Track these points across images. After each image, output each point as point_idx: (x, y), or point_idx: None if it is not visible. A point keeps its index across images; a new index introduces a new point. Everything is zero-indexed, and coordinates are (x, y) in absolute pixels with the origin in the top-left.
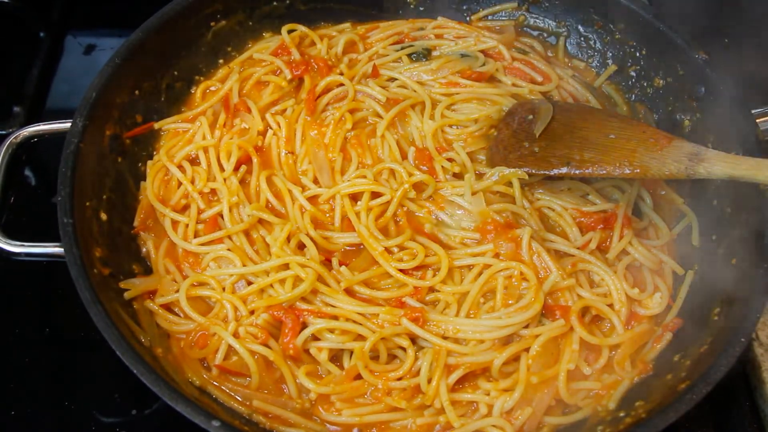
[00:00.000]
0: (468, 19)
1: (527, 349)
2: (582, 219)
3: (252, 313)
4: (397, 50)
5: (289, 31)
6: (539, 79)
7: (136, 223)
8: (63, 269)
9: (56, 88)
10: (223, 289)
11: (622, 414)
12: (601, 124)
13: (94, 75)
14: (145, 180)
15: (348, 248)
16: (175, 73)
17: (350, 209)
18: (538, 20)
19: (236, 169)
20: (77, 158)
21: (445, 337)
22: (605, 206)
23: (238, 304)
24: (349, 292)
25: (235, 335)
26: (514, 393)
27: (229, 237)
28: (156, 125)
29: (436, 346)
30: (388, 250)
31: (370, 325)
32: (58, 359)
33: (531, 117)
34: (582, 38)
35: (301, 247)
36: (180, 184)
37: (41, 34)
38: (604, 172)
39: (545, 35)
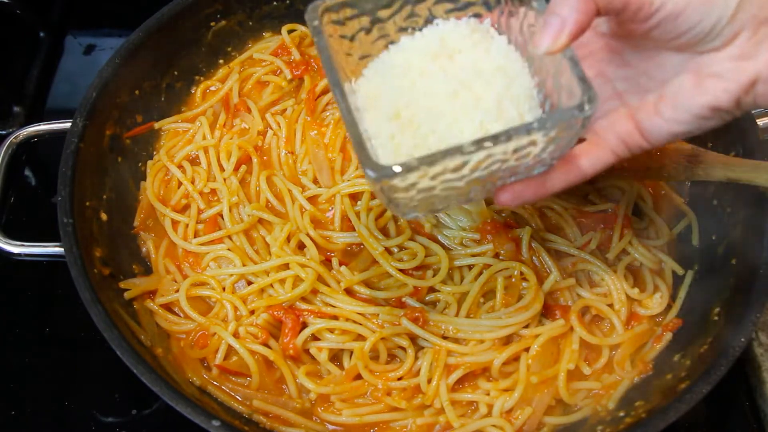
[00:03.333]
0: None
1: (527, 349)
2: (582, 219)
3: (252, 313)
4: None
5: (289, 31)
6: None
7: (136, 223)
8: (63, 269)
9: (56, 88)
10: (223, 289)
11: (622, 414)
12: None
13: (94, 75)
14: (145, 180)
15: (349, 248)
16: (175, 73)
17: (350, 209)
18: None
19: (236, 169)
20: (77, 158)
21: (445, 337)
22: (605, 206)
23: (238, 304)
24: (349, 292)
25: (235, 335)
26: (514, 393)
27: (229, 237)
28: (156, 125)
29: (436, 346)
30: (388, 250)
31: (370, 325)
32: (58, 359)
33: None
34: None
35: (301, 247)
36: (180, 184)
37: (41, 34)
38: (603, 173)
39: None
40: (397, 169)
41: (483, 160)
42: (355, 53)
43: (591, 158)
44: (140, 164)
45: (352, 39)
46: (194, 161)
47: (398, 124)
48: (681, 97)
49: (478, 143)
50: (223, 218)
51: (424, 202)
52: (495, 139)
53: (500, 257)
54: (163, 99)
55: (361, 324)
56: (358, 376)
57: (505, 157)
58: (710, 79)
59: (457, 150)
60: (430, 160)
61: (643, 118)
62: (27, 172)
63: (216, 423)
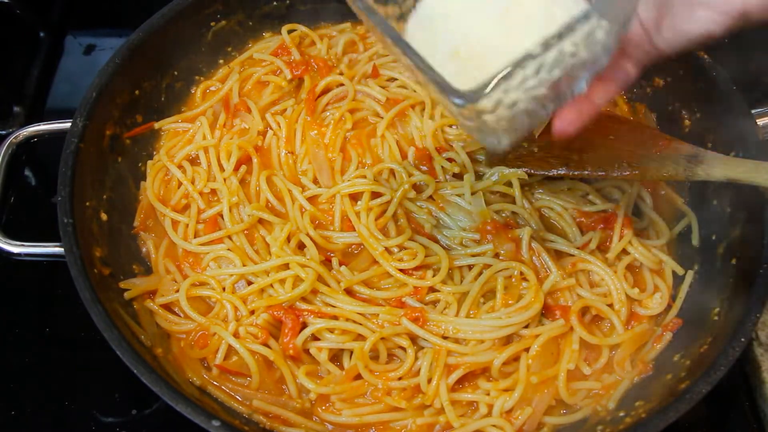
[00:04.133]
0: None
1: (527, 349)
2: (582, 219)
3: (252, 313)
4: None
5: (289, 31)
6: None
7: (136, 223)
8: (63, 269)
9: (56, 88)
10: (223, 289)
11: (622, 414)
12: (600, 125)
13: (94, 75)
14: (145, 180)
15: (349, 248)
16: (175, 73)
17: (350, 209)
18: None
19: (236, 169)
20: (77, 158)
21: (445, 337)
22: (605, 206)
23: (238, 304)
24: (349, 292)
25: (236, 335)
26: (514, 393)
27: (229, 237)
28: (156, 125)
29: (436, 346)
30: (388, 250)
31: (370, 325)
32: (58, 359)
33: None
34: None
35: (301, 247)
36: (180, 184)
37: (41, 34)
38: (603, 173)
39: None
40: (483, 89)
41: (556, 58)
42: (392, 15)
43: (620, 73)
44: (140, 164)
45: (386, 1)
46: (194, 161)
47: (460, 62)
48: (677, 23)
49: (546, 44)
50: (223, 218)
51: (511, 124)
52: (559, 36)
53: (500, 257)
54: (163, 99)
55: (361, 324)
56: (358, 376)
57: (574, 50)
58: (701, 9)
59: (528, 57)
60: (508, 72)
61: (650, 29)
62: (27, 172)
63: (216, 423)
